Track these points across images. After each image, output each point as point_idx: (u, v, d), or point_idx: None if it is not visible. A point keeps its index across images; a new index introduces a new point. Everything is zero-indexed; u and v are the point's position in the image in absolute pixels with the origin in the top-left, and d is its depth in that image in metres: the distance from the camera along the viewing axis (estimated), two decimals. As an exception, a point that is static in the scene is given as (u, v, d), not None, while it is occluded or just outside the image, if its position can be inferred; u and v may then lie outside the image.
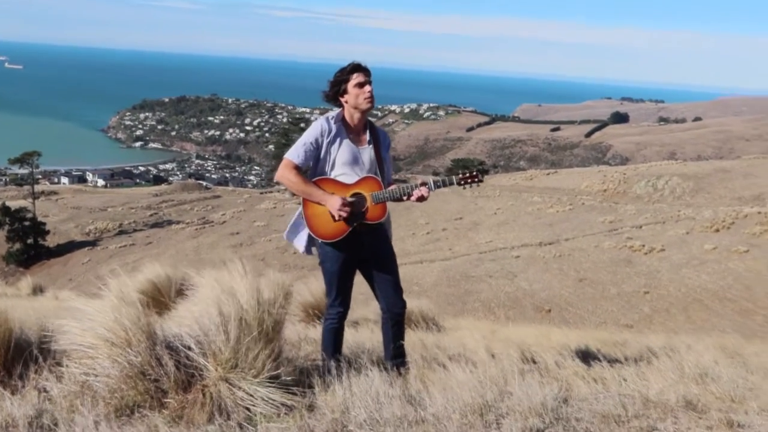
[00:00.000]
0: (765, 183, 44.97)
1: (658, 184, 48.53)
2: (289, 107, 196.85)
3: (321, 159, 4.22)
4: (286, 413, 3.29)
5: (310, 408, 3.37)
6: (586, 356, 4.79)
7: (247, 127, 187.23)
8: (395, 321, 4.33)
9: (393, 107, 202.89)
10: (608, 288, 28.74)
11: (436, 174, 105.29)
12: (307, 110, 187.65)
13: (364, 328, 6.97)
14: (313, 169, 4.26)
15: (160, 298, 7.56)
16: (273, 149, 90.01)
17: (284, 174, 4.18)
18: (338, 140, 4.21)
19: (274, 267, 39.04)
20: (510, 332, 8.91)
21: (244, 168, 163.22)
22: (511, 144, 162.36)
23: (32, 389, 3.36)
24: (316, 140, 4.19)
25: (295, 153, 4.19)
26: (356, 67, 4.22)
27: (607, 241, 34.78)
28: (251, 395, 3.28)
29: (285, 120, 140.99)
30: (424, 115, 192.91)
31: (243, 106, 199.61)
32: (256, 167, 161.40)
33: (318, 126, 4.23)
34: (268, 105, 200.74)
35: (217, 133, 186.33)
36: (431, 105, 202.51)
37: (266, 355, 3.41)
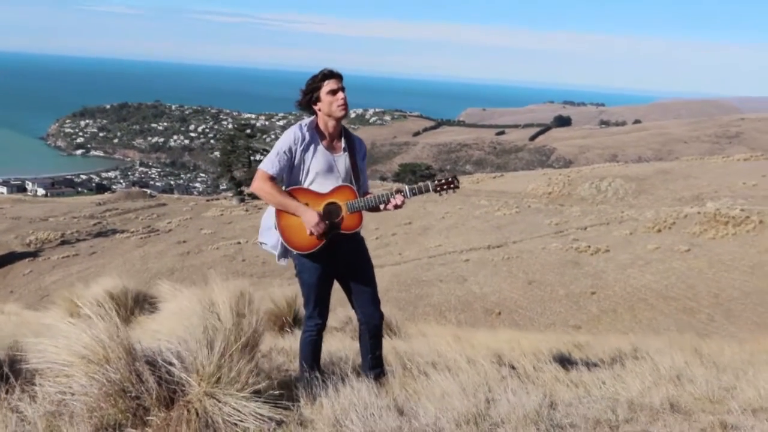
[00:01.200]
0: (704, 184, 46.25)
1: (601, 186, 49.52)
2: (234, 113, 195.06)
3: (295, 167, 4.14)
4: (276, 428, 3.23)
5: (301, 422, 3.31)
6: (561, 360, 4.85)
7: (192, 134, 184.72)
8: (373, 333, 4.30)
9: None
10: (556, 289, 29.21)
11: (383, 179, 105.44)
12: (253, 116, 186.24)
13: (331, 337, 6.97)
14: (287, 178, 4.18)
15: (119, 311, 7.43)
16: (219, 156, 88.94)
17: (259, 185, 4.09)
18: (312, 148, 4.14)
19: (222, 275, 38.64)
20: (479, 338, 9.01)
21: (189, 175, 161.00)
22: (457, 148, 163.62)
23: (5, 410, 3.22)
24: (290, 149, 4.11)
25: (269, 163, 4.10)
26: (328, 74, 4.17)
27: (554, 243, 35.36)
28: (239, 410, 3.20)
29: (230, 126, 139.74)
30: (371, 120, 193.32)
31: (187, 112, 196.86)
32: (201, 174, 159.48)
33: (291, 134, 4.16)
34: (213, 111, 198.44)
35: (161, 140, 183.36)
36: (377, 110, 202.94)
37: (250, 368, 3.35)
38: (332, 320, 8.31)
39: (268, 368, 3.85)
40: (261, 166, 4.15)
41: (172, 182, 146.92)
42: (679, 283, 28.30)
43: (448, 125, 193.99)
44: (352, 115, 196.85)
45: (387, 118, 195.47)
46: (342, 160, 4.22)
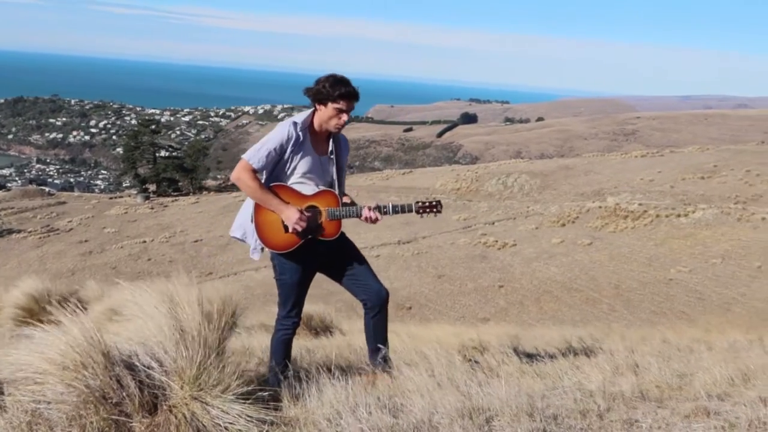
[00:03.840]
0: (604, 179, 47.94)
1: (507, 182, 50.63)
2: (138, 108, 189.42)
3: (280, 164, 4.03)
4: (268, 430, 3.12)
5: (291, 423, 3.20)
6: (516, 353, 4.88)
7: (93, 130, 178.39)
8: (380, 308, 4.20)
9: (246, 108, 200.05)
10: (465, 283, 29.68)
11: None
12: (157, 112, 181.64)
13: (263, 334, 6.85)
14: (269, 173, 4.06)
15: (38, 314, 7.05)
16: (122, 152, 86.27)
17: (241, 176, 3.96)
18: (302, 148, 4.04)
19: (127, 275, 37.54)
20: (418, 332, 9.05)
21: (90, 172, 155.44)
22: (365, 144, 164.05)
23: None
24: (281, 146, 4.00)
25: (255, 156, 3.98)
26: (346, 94, 4.04)
27: (462, 238, 35.92)
28: (227, 413, 3.08)
29: (134, 122, 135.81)
30: (279, 117, 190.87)
31: (88, 107, 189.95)
32: (103, 171, 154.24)
33: (284, 131, 4.02)
34: (115, 106, 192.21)
35: (60, 135, 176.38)
36: (285, 106, 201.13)
37: (232, 369, 3.23)
38: (263, 317, 8.22)
39: (243, 369, 3.68)
40: (245, 157, 4.02)
41: (72, 180, 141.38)
42: (582, 275, 29.23)
43: (357, 122, 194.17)
44: (260, 111, 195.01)
45: (295, 113, 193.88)
46: (328, 164, 4.14)
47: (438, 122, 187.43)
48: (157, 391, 3.13)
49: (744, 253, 29.15)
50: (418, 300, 28.40)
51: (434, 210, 4.19)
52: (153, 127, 77.84)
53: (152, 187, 71.75)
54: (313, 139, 4.10)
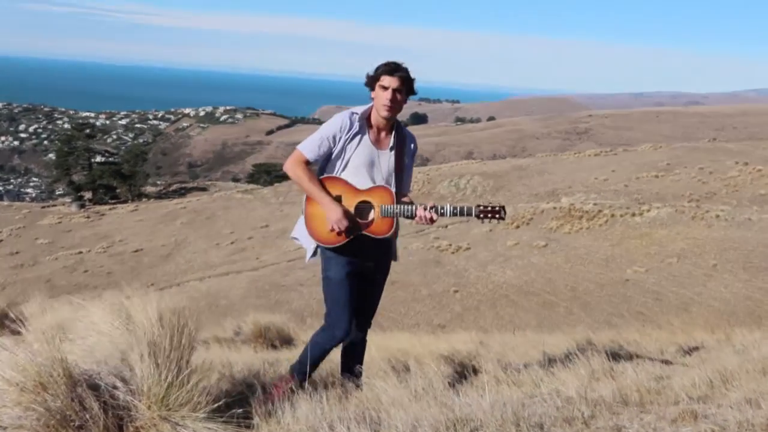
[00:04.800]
0: (558, 179, 48.61)
1: (460, 184, 50.99)
2: (71, 112, 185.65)
3: (334, 156, 3.99)
4: None
5: None
6: (486, 360, 4.86)
7: (22, 135, 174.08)
8: (362, 339, 4.25)
9: (187, 110, 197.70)
10: (419, 289, 29.74)
11: (236, 180, 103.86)
12: (92, 115, 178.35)
13: (219, 348, 6.72)
14: (323, 164, 4.05)
15: None
16: (54, 158, 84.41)
17: (292, 167, 3.95)
18: (358, 139, 3.98)
19: (63, 289, 36.71)
20: (379, 341, 8.96)
21: (20, 180, 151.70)
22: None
23: None
24: (334, 136, 3.96)
25: (308, 147, 3.97)
26: (386, 70, 3.95)
27: (415, 243, 36.01)
28: None
29: (67, 126, 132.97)
30: (221, 119, 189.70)
31: (16, 110, 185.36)
32: (34, 178, 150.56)
33: (339, 120, 3.99)
34: (46, 110, 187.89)
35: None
36: (228, 108, 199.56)
37: (202, 386, 3.14)
38: (218, 330, 8.11)
39: (208, 385, 3.54)
40: (299, 147, 4.01)
41: (0, 188, 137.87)
42: (539, 278, 29.54)
43: (303, 123, 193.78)
44: (201, 113, 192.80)
45: (239, 116, 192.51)
46: (386, 158, 4.05)
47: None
48: (123, 412, 3.01)
49: (699, 252, 29.83)
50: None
51: (497, 216, 3.99)
52: (88, 131, 76.49)
53: (88, 195, 70.49)
54: (372, 131, 4.05)
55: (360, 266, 4.05)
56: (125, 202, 67.82)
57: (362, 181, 3.96)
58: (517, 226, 36.83)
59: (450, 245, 34.74)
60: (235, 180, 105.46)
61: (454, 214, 3.94)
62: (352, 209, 3.94)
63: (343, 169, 3.98)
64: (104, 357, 3.21)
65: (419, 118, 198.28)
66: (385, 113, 3.96)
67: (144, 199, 68.61)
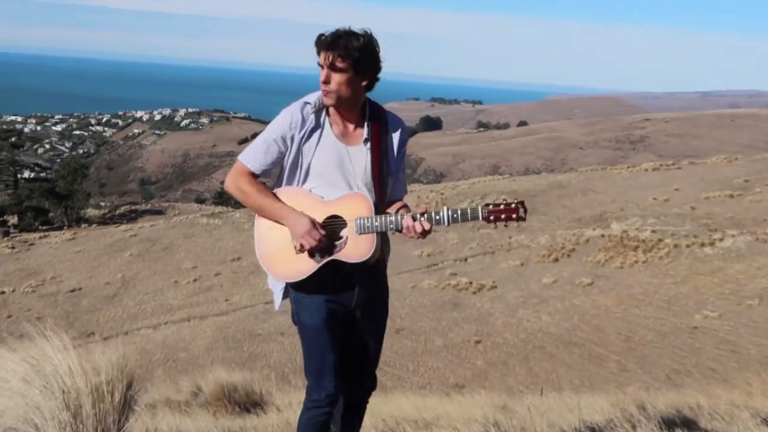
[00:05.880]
0: (607, 200, 48.63)
1: (501, 201, 51.05)
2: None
3: (290, 163, 3.73)
4: None
5: None
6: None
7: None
8: (361, 401, 4.04)
9: (139, 113, 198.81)
10: (432, 339, 29.67)
11: (200, 201, 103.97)
12: (19, 119, 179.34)
13: (171, 414, 6.70)
14: (278, 177, 3.80)
15: None
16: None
17: (234, 182, 3.73)
18: (316, 136, 3.70)
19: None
20: (381, 407, 8.92)
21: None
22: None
23: None
24: (284, 137, 3.68)
25: (252, 155, 3.71)
26: (321, 42, 3.62)
27: (427, 280, 35.99)
28: None
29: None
30: (182, 124, 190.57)
31: None
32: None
33: (287, 115, 3.71)
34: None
35: None
36: (190, 110, 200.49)
37: None
38: (170, 391, 8.09)
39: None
40: (241, 157, 3.77)
41: None
42: (583, 324, 29.46)
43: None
44: (157, 117, 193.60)
45: (204, 120, 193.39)
46: (361, 155, 3.75)
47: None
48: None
49: (787, 292, 29.75)
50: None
51: (514, 216, 3.68)
52: (13, 139, 76.72)
53: (12, 220, 70.57)
54: (335, 123, 3.76)
55: (344, 305, 3.79)
56: (60, 228, 67.86)
57: (330, 191, 3.71)
58: (556, 259, 36.82)
59: (471, 283, 34.72)
60: (200, 201, 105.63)
61: (455, 220, 3.64)
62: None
63: (304, 179, 3.74)
64: (16, 423, 3.19)
65: (432, 123, 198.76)
66: (323, 99, 3.69)
67: (84, 226, 68.66)
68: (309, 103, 3.71)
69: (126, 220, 70.47)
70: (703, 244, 34.86)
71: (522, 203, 3.69)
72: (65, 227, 68.36)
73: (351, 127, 3.76)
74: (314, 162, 3.69)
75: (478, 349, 28.71)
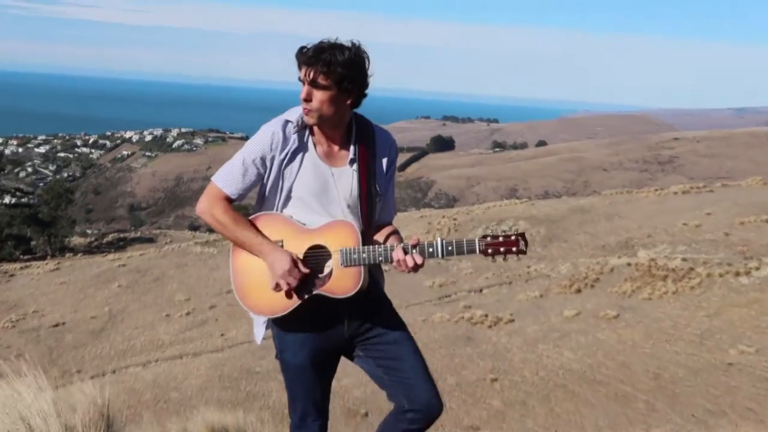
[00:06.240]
0: (634, 225, 48.54)
1: (499, 232, 50.94)
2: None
3: (269, 187, 3.66)
4: None
5: None
6: None
7: None
8: (424, 425, 3.84)
9: (128, 134, 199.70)
10: (444, 377, 29.55)
11: (194, 228, 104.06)
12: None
13: None
14: (258, 201, 3.76)
15: None
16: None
17: (208, 208, 3.67)
18: (299, 158, 3.63)
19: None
20: None
21: None
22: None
23: None
24: (263, 158, 3.61)
25: (229, 177, 3.64)
26: (302, 56, 3.55)
27: (438, 312, 35.91)
28: None
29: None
30: (174, 145, 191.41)
31: None
32: None
33: (268, 134, 3.63)
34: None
35: None
36: (183, 130, 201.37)
37: None
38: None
39: None
40: (215, 179, 3.70)
41: None
42: (608, 361, 29.33)
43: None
44: (148, 138, 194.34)
45: (198, 141, 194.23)
46: (346, 178, 3.69)
47: (399, 150, 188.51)
48: None
49: (831, 325, 29.62)
50: (377, 403, 28.10)
51: (513, 249, 3.69)
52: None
53: (-8, 249, 70.63)
54: (319, 143, 3.70)
55: (332, 339, 3.75)
56: (43, 258, 67.98)
57: (313, 217, 3.64)
58: (579, 290, 36.74)
59: (486, 316, 34.64)
60: (193, 228, 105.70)
61: (449, 253, 3.61)
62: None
63: (284, 204, 3.67)
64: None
65: (444, 144, 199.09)
66: (304, 118, 3.62)
67: (68, 255, 68.75)
68: (291, 121, 3.66)
69: (114, 248, 70.55)
70: (738, 273, 34.73)
71: (522, 235, 3.70)
72: (48, 257, 68.46)
73: (336, 147, 3.71)
74: (296, 185, 3.63)
75: (495, 387, 28.59)
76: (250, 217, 3.70)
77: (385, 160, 3.89)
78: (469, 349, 31.79)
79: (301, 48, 3.54)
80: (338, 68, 3.47)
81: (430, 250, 3.57)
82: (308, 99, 3.53)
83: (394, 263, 3.56)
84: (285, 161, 3.62)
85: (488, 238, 3.66)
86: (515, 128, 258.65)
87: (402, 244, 3.59)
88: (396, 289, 41.17)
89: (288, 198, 3.65)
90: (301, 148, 3.65)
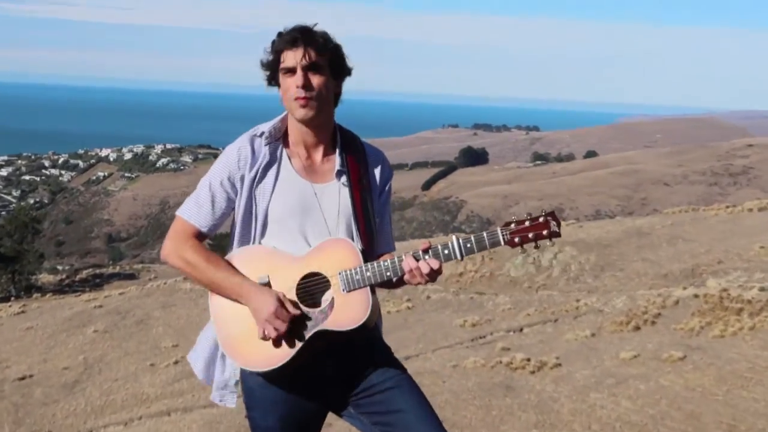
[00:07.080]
0: (702, 250, 48.39)
1: (542, 260, 50.96)
2: None
3: (242, 214, 3.54)
4: None
5: None
6: None
7: None
8: None
9: (104, 151, 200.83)
10: (480, 432, 29.55)
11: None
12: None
13: None
14: (232, 241, 3.58)
15: None
16: None
17: (176, 250, 3.50)
18: (273, 174, 3.53)
19: None
20: None
21: None
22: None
23: None
24: (231, 179, 3.51)
25: (195, 209, 3.54)
26: (287, 39, 3.44)
27: (472, 357, 35.76)
28: None
29: None
30: (158, 164, 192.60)
31: None
32: None
33: (233, 152, 3.55)
34: None
35: None
36: (169, 146, 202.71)
37: None
38: None
39: None
40: (181, 212, 3.59)
41: None
42: (673, 411, 29.20)
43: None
44: (127, 155, 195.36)
45: (186, 158, 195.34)
46: (332, 193, 3.59)
47: (423, 165, 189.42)
48: None
49: None
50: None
51: (545, 233, 3.59)
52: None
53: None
54: (296, 156, 3.61)
55: (314, 397, 3.65)
56: (6, 299, 68.28)
57: (297, 244, 3.53)
58: (637, 327, 36.60)
59: (528, 360, 34.49)
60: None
61: (469, 251, 3.53)
62: (292, 294, 3.48)
63: (262, 232, 3.55)
64: None
65: (475, 156, 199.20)
66: (301, 113, 3.48)
67: (36, 295, 69.04)
68: (258, 135, 3.58)
69: (89, 287, 70.83)
70: (825, 305, 34.66)
71: (552, 214, 3.60)
72: (12, 298, 68.74)
73: (318, 159, 3.62)
74: (272, 207, 3.53)
75: (539, 444, 28.54)
76: (227, 257, 3.56)
77: (378, 176, 3.73)
78: (509, 400, 31.69)
79: (280, 33, 3.49)
80: (330, 44, 3.49)
81: (446, 251, 3.52)
82: (307, 86, 3.44)
83: (407, 275, 3.48)
84: (256, 179, 3.53)
85: (513, 225, 3.56)
86: (559, 137, 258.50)
87: (412, 252, 3.51)
88: (421, 329, 41.42)
89: (265, 224, 3.54)
90: (273, 161, 3.57)
